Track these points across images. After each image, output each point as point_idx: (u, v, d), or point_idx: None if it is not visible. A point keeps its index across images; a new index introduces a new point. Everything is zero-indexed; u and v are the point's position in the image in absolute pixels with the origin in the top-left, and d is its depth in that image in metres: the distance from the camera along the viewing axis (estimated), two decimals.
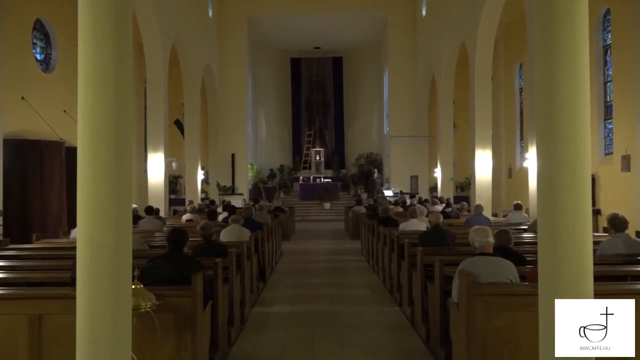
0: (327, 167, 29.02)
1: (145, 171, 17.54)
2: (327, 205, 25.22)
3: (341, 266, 11.32)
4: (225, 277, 5.81)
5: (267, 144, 29.99)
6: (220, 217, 11.13)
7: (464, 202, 14.46)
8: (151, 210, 10.88)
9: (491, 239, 4.69)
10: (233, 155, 24.04)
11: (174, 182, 23.31)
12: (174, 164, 18.17)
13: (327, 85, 30.32)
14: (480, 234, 4.67)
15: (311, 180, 27.41)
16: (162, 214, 13.77)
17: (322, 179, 27.17)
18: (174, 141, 20.72)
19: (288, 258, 12.42)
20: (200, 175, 20.40)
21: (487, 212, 13.64)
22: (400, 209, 15.04)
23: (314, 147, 29.12)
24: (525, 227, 9.76)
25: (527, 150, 14.51)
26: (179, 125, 20.57)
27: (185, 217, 12.85)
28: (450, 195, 19.26)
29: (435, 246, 6.69)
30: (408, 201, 17.97)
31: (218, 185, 23.19)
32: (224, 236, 8.01)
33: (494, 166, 17.46)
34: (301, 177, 27.85)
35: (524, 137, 19.98)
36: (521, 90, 21.04)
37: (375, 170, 26.95)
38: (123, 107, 2.91)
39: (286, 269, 10.92)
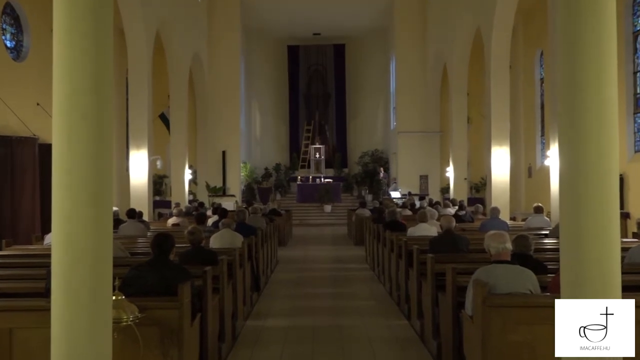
0: (327, 165, 29.04)
1: (127, 170, 17.55)
2: (327, 207, 25.24)
3: (343, 275, 11.33)
4: (215, 287, 5.82)
5: (261, 141, 30.00)
6: (210, 221, 11.14)
7: (479, 205, 14.47)
8: (133, 214, 10.89)
9: (509, 245, 4.69)
10: (224, 152, 24.07)
11: (158, 182, 23.33)
12: (158, 163, 18.18)
13: (328, 75, 30.34)
14: (496, 239, 4.68)
15: (310, 180, 27.42)
16: (145, 217, 13.78)
17: (323, 179, 27.21)
18: (159, 137, 20.71)
19: (285, 266, 12.44)
20: (188, 174, 20.41)
21: (505, 216, 13.65)
22: (408, 212, 15.07)
23: (313, 143, 29.15)
24: (547, 232, 9.78)
25: (548, 147, 14.51)
26: (164, 119, 20.58)
27: (171, 221, 12.88)
28: (463, 196, 19.27)
29: (447, 253, 6.70)
30: (417, 203, 17.98)
31: (207, 185, 23.21)
32: (214, 242, 8.03)
33: (512, 165, 17.47)
34: (299, 177, 27.89)
35: (545, 132, 19.98)
36: (542, 80, 21.05)
37: (381, 169, 26.98)
38: (103, 100, 2.91)
39: (283, 278, 10.93)
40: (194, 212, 14.55)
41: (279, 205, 19.63)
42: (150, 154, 16.09)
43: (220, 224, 8.75)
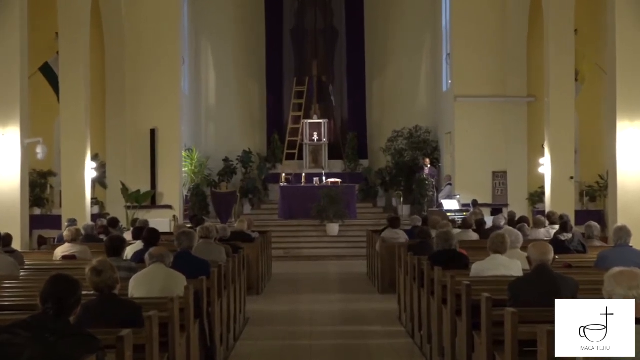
0: (333, 155, 29.11)
1: None
2: (333, 228, 25.18)
3: (361, 345, 11.36)
4: None
5: (219, 113, 30.04)
6: (130, 251, 11.16)
7: (594, 223, 14.47)
8: None
9: None
10: (153, 132, 24.03)
11: (39, 184, 23.29)
12: (39, 150, 18.17)
13: (334, 0, 30.41)
14: (625, 281, 4.70)
15: (303, 180, 27.45)
16: (16, 245, 13.79)
17: (324, 178, 27.21)
18: (41, 106, 20.71)
19: (259, 330, 12.48)
20: (91, 171, 20.41)
21: (639, 242, 13.68)
22: (473, 236, 15.06)
23: (308, 117, 29.17)
24: None
25: None
26: (49, 74, 20.55)
27: (61, 250, 12.83)
28: (569, 210, 19.26)
29: (539, 306, 6.71)
30: (488, 221, 17.98)
31: (125, 189, 23.21)
32: (137, 287, 8.04)
33: None
34: (284, 175, 27.88)
35: None
36: None
37: (426, 161, 27.00)
38: None
39: (255, 349, 10.97)
40: (101, 236, 14.49)
41: (250, 224, 19.64)
42: (24, 136, 16.08)
43: (147, 255, 8.76)
